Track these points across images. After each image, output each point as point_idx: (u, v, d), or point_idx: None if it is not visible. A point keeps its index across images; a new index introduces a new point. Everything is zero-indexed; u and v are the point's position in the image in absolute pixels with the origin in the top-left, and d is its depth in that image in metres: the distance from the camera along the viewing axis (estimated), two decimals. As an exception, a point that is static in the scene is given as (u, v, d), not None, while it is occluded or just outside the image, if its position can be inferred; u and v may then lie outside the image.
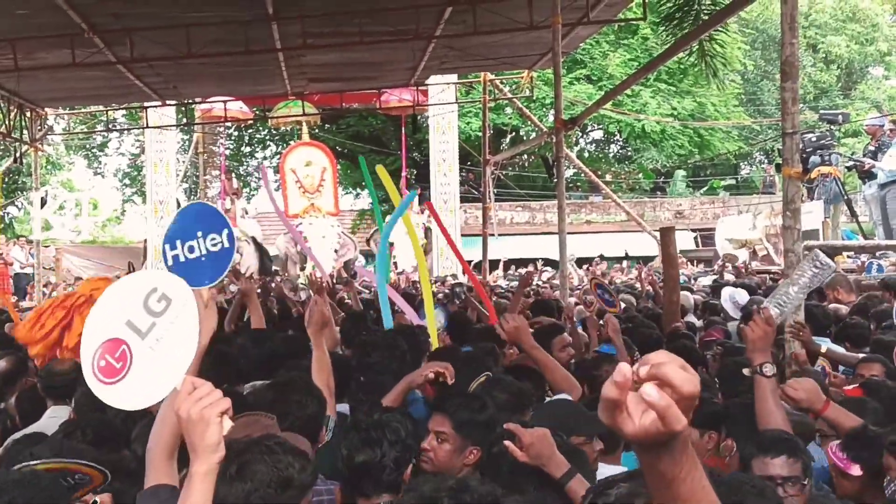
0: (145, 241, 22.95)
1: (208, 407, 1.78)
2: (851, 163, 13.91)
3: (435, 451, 3.07)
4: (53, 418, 4.31)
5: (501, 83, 19.13)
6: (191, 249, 2.86)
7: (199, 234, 2.87)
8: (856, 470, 2.98)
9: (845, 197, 14.04)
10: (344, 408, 3.98)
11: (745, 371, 3.24)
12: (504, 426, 2.77)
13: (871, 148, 13.11)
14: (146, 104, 17.45)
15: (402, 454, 2.87)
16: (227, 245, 2.89)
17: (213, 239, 2.87)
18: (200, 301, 2.68)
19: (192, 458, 1.80)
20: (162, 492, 2.31)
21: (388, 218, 7.27)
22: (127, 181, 36.39)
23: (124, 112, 25.33)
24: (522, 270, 20.89)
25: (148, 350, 1.88)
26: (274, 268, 20.35)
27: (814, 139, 13.32)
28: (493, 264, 19.38)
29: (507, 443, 2.68)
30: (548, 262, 20.61)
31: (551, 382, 4.08)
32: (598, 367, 4.50)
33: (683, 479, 1.20)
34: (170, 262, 2.90)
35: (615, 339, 5.19)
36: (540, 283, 14.83)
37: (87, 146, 35.63)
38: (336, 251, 19.75)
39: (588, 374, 4.44)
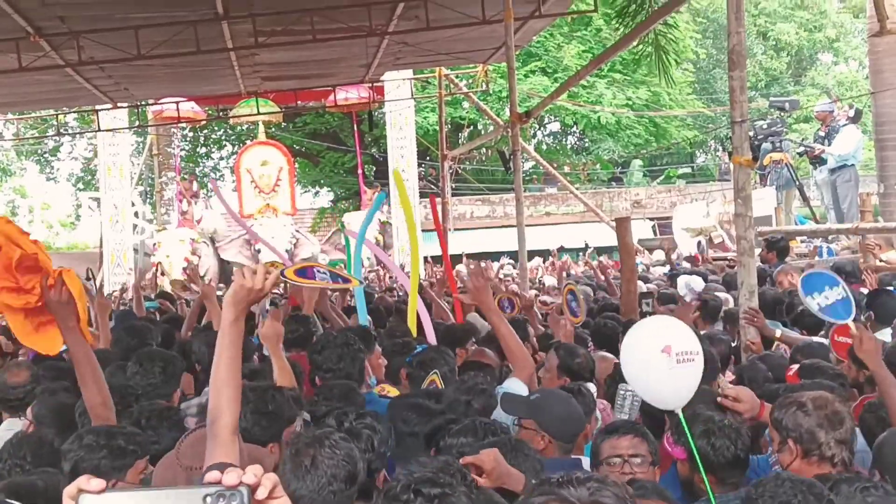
0: (101, 246, 22.60)
1: None
2: (802, 149, 14.11)
3: None
4: (9, 431, 4.23)
5: (457, 77, 19.14)
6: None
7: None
8: (680, 453, 3.14)
9: (797, 182, 14.24)
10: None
11: None
12: (461, 461, 2.72)
13: (822, 133, 13.30)
14: (98, 107, 17.18)
15: (375, 461, 2.89)
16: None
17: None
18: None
19: None
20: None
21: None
22: (81, 185, 35.83)
23: (76, 115, 24.94)
24: (483, 264, 20.90)
25: None
26: (235, 268, 20.17)
27: (765, 126, 13.50)
28: (457, 258, 19.38)
29: (474, 476, 2.65)
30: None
31: (506, 351, 4.21)
32: (577, 355, 4.56)
33: None
34: None
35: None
36: (500, 277, 14.84)
37: (39, 151, 35.03)
38: (288, 251, 19.52)
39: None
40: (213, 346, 4.90)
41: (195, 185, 21.59)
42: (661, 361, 2.96)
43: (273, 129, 26.02)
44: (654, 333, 3.10)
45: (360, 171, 22.24)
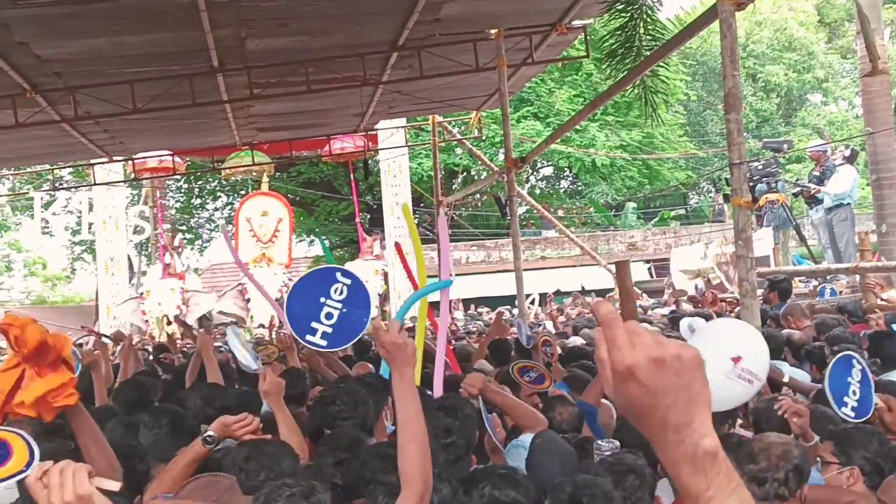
0: (97, 298, 22.51)
1: None
2: (797, 189, 14.16)
3: None
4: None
5: (450, 124, 19.23)
6: (328, 316, 2.98)
7: (322, 299, 2.98)
8: None
9: (794, 222, 14.26)
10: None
11: None
12: None
13: (816, 173, 13.36)
14: (93, 161, 17.20)
15: None
16: (348, 282, 3.01)
17: (336, 289, 2.98)
18: (384, 332, 2.67)
19: None
20: None
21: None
22: (76, 239, 35.79)
23: (70, 169, 24.97)
24: (483, 310, 20.84)
25: None
26: (231, 320, 20.06)
27: (760, 167, 13.55)
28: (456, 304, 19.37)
29: None
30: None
31: (517, 421, 4.12)
32: (552, 409, 4.51)
33: (712, 497, 1.11)
34: (324, 343, 3.03)
35: None
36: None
37: (34, 206, 35.00)
38: (279, 300, 19.42)
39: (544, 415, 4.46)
40: (208, 400, 4.88)
41: (177, 239, 21.56)
42: (722, 365, 2.74)
43: (269, 179, 26.06)
44: (734, 337, 2.92)
45: (357, 220, 22.26)
